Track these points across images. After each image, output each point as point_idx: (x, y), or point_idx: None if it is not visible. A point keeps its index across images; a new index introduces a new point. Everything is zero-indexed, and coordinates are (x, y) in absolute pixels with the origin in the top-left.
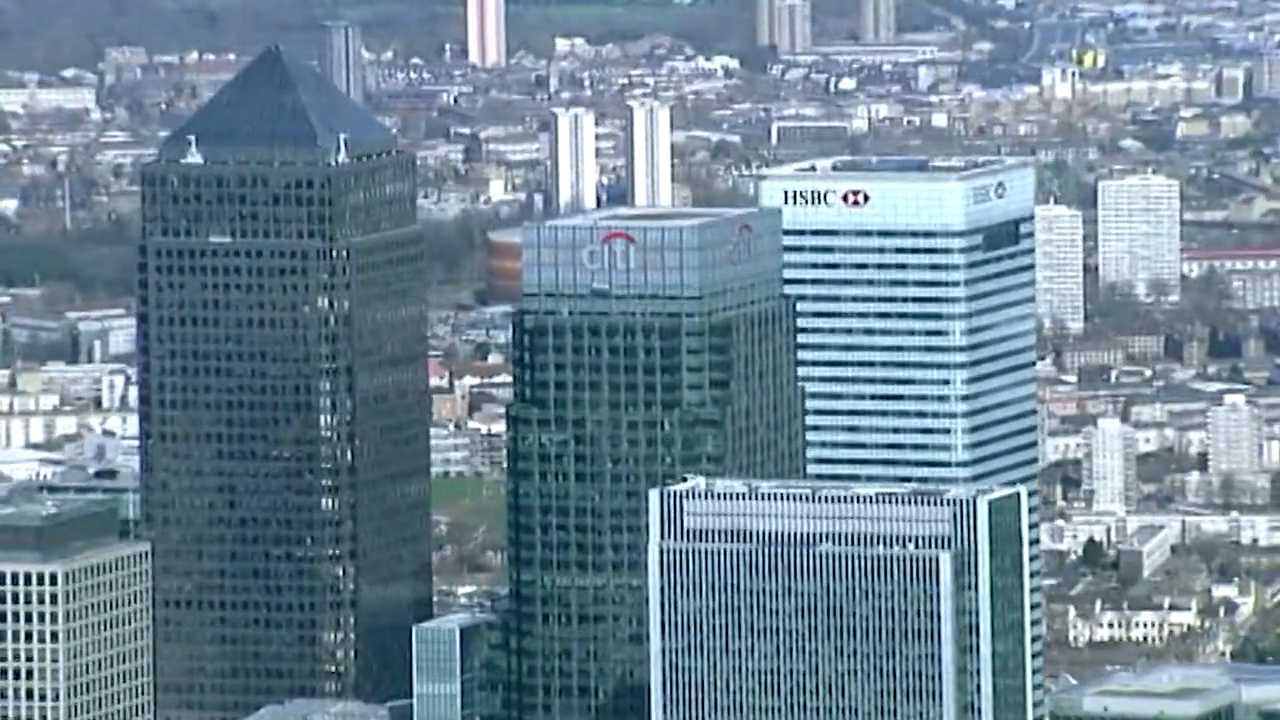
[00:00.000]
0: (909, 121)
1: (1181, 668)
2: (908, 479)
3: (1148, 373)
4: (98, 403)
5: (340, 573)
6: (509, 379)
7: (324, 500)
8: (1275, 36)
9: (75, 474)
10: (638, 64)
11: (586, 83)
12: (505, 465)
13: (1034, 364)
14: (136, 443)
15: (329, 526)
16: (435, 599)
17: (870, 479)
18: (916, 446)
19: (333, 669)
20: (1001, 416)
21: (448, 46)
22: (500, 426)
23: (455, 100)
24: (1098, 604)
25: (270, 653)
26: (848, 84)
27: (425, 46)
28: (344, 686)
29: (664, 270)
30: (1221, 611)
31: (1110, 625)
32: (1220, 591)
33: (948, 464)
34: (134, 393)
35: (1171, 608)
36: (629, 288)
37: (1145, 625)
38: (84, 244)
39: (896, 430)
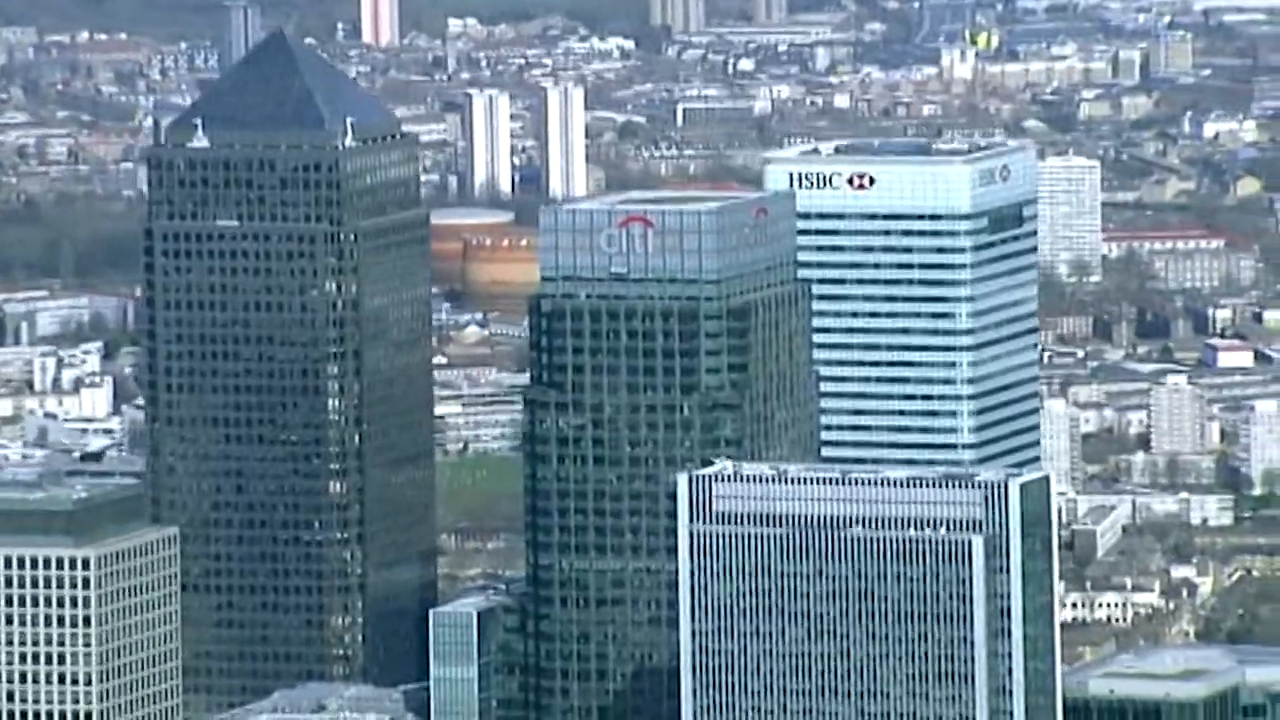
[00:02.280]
0: (812, 102)
1: (1184, 649)
2: (913, 461)
3: (1080, 353)
4: (30, 385)
5: (348, 557)
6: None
7: (331, 484)
8: (1164, 18)
9: (59, 458)
10: (532, 44)
11: (484, 63)
12: (523, 449)
13: (1036, 345)
14: (79, 425)
15: (337, 510)
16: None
17: (876, 461)
18: (923, 429)
19: (341, 653)
20: (1006, 398)
21: (340, 26)
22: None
23: (355, 78)
24: (1060, 586)
25: (278, 636)
26: (746, 65)
27: (318, 27)
28: (352, 670)
29: (682, 254)
30: (1183, 592)
31: (1074, 606)
32: (1179, 572)
33: (954, 445)
34: (67, 375)
35: (1134, 588)
36: (647, 271)
37: (1109, 606)
38: None
39: (903, 412)
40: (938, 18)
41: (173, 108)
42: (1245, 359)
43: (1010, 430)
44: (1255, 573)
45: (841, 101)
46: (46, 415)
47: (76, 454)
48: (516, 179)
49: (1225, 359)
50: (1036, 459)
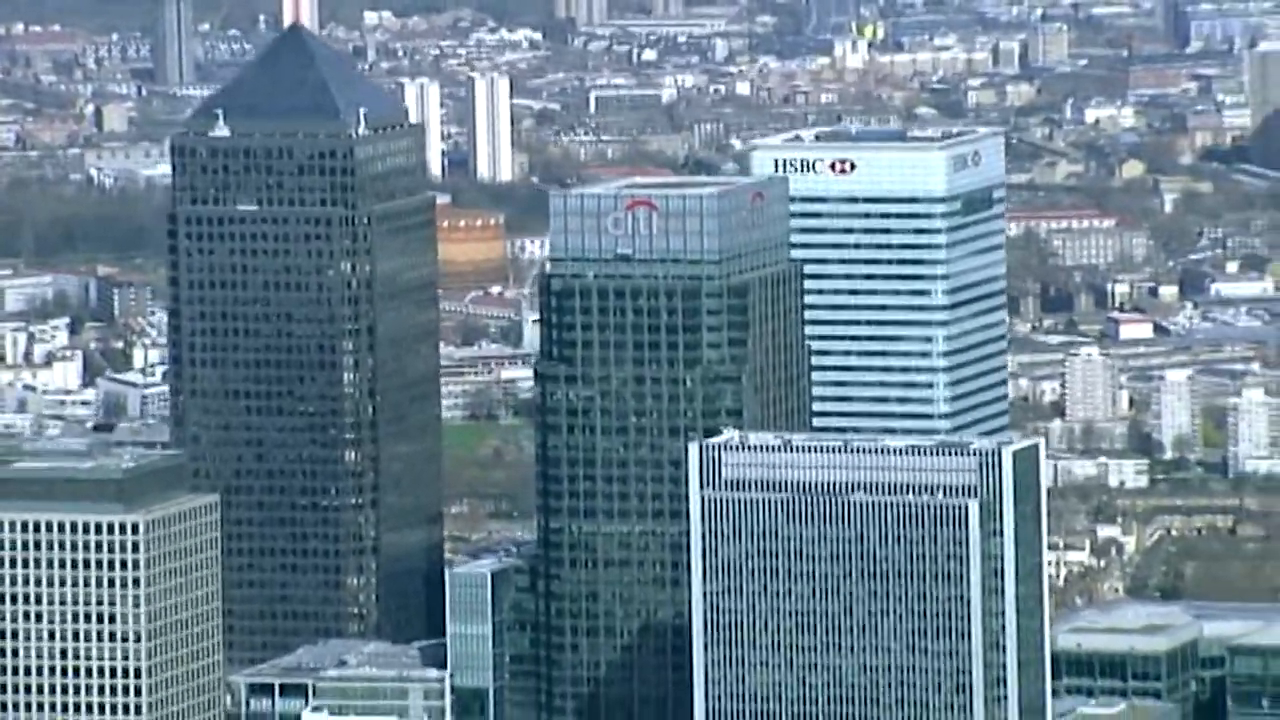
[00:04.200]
0: (715, 90)
1: (1144, 606)
2: (892, 430)
3: None
4: (1, 359)
5: (362, 521)
6: None
7: (347, 453)
8: (1037, 11)
9: (73, 428)
10: (445, 35)
11: (401, 53)
12: (533, 419)
13: (1003, 321)
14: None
15: (352, 477)
16: None
17: (857, 430)
18: (901, 399)
19: (356, 611)
20: (978, 369)
21: (263, 17)
22: None
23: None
24: None
25: (297, 596)
26: (650, 55)
27: (241, 17)
28: (367, 627)
29: (685, 235)
30: (1111, 551)
31: None
32: (1105, 532)
33: (930, 415)
34: (39, 349)
35: (1066, 548)
36: (651, 252)
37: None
38: None
39: (882, 384)
40: (824, 10)
41: (111, 95)
42: (1145, 331)
43: (981, 399)
44: (1174, 532)
45: (743, 90)
46: (25, 387)
47: (90, 424)
48: (445, 163)
49: (1126, 331)
50: (1005, 426)
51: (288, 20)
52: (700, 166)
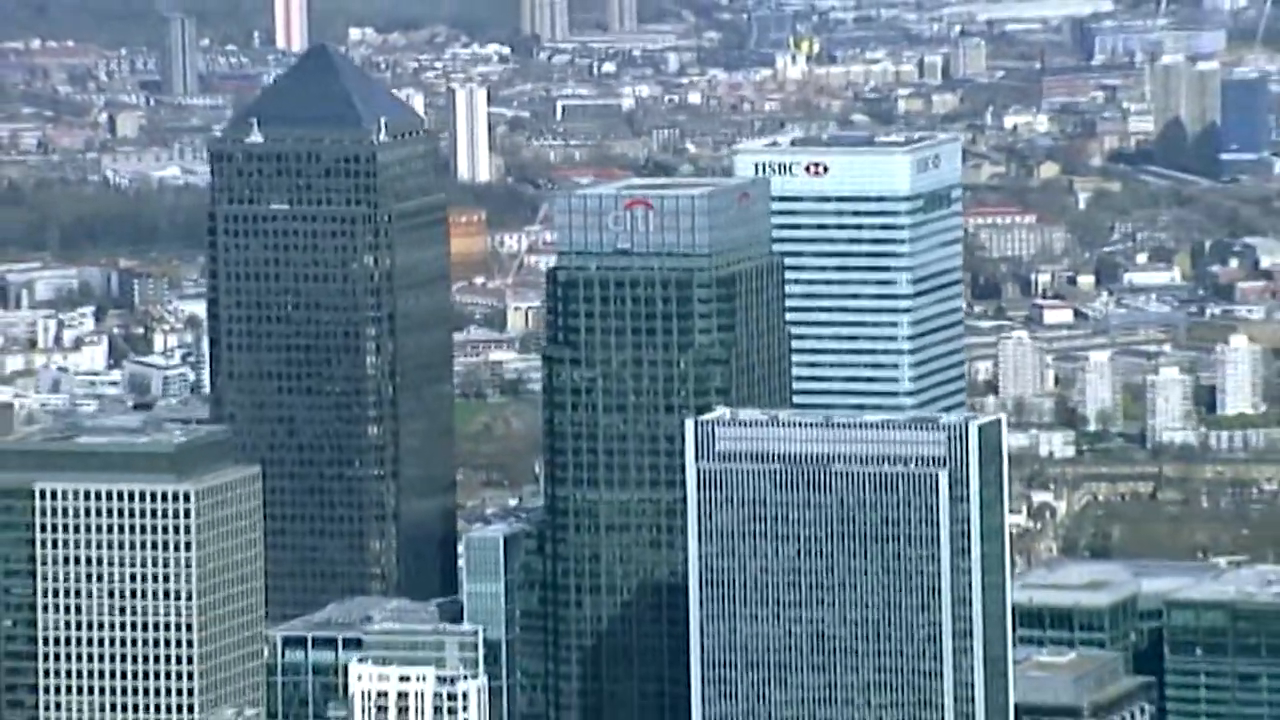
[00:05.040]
0: (669, 99)
1: (1087, 564)
2: (861, 407)
3: None
4: (33, 343)
5: (383, 490)
6: None
7: (369, 429)
8: (956, 27)
9: (115, 406)
10: (423, 50)
11: (383, 65)
12: (541, 398)
13: (960, 307)
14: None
15: (374, 451)
16: None
17: (829, 408)
18: (869, 379)
19: (378, 571)
20: (937, 353)
21: (256, 34)
22: None
23: (275, 81)
24: None
25: (324, 558)
26: (609, 67)
27: (238, 33)
28: (388, 586)
29: (678, 232)
30: (1045, 514)
31: None
32: (1038, 497)
33: (895, 394)
34: (68, 335)
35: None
36: (648, 247)
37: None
38: None
39: (853, 365)
40: (764, 27)
41: (122, 105)
42: (1066, 316)
43: (941, 378)
44: (1100, 497)
45: (694, 99)
46: (58, 369)
47: (130, 403)
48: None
49: (1050, 316)
50: (963, 403)
51: (280, 36)
52: (659, 168)
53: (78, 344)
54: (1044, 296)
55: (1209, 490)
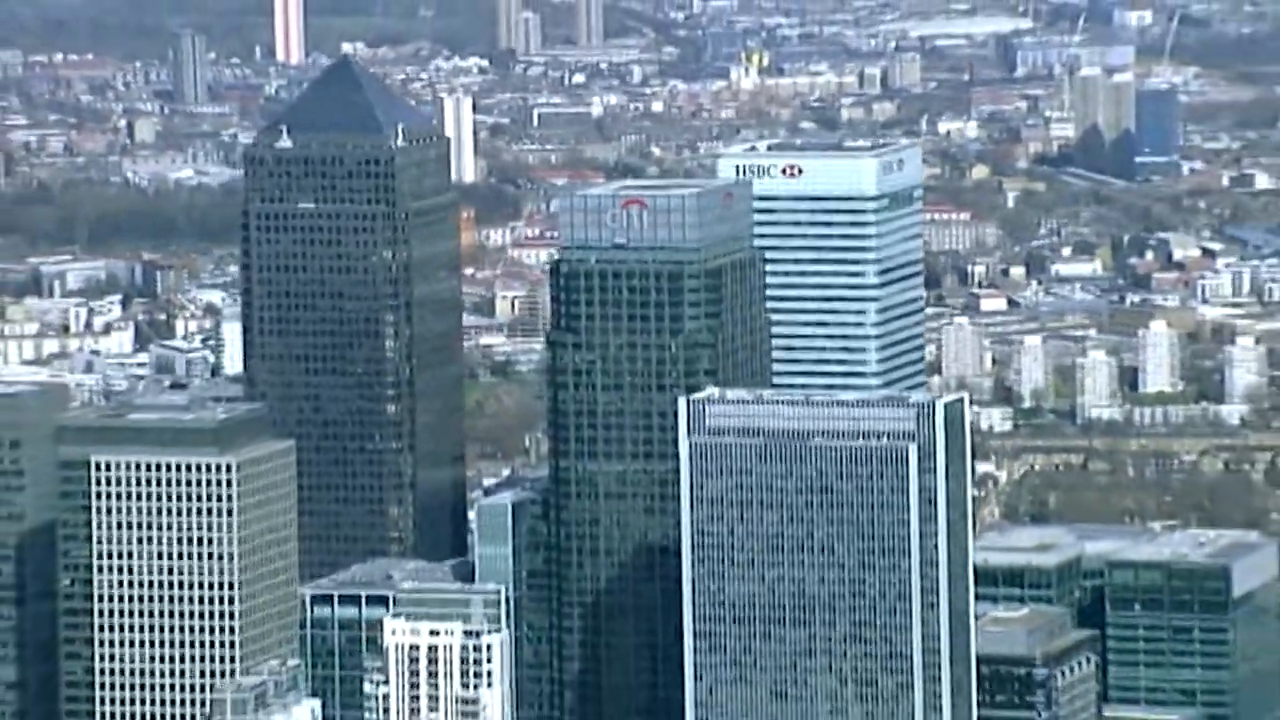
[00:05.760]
0: (635, 107)
1: (1035, 529)
2: (832, 386)
3: None
4: (66, 328)
5: (401, 462)
6: None
7: (389, 406)
8: (891, 43)
9: (154, 385)
10: (409, 63)
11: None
12: (545, 378)
13: (921, 296)
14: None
15: (392, 426)
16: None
17: (805, 387)
18: (840, 361)
19: (396, 535)
20: (900, 337)
21: (258, 48)
22: None
23: (277, 91)
24: None
25: (347, 524)
26: (579, 78)
27: (241, 48)
28: (405, 549)
29: (669, 228)
30: (988, 483)
31: None
32: (981, 467)
33: (863, 374)
34: (98, 321)
35: None
36: (643, 242)
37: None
38: (20, 205)
39: (823, 349)
40: (718, 42)
41: (139, 112)
42: (1001, 304)
43: (904, 360)
44: (1037, 467)
45: (657, 107)
46: (91, 352)
47: (168, 382)
48: None
49: (986, 304)
50: (923, 382)
51: (280, 50)
52: (627, 169)
53: (107, 329)
54: (980, 286)
55: (1134, 461)
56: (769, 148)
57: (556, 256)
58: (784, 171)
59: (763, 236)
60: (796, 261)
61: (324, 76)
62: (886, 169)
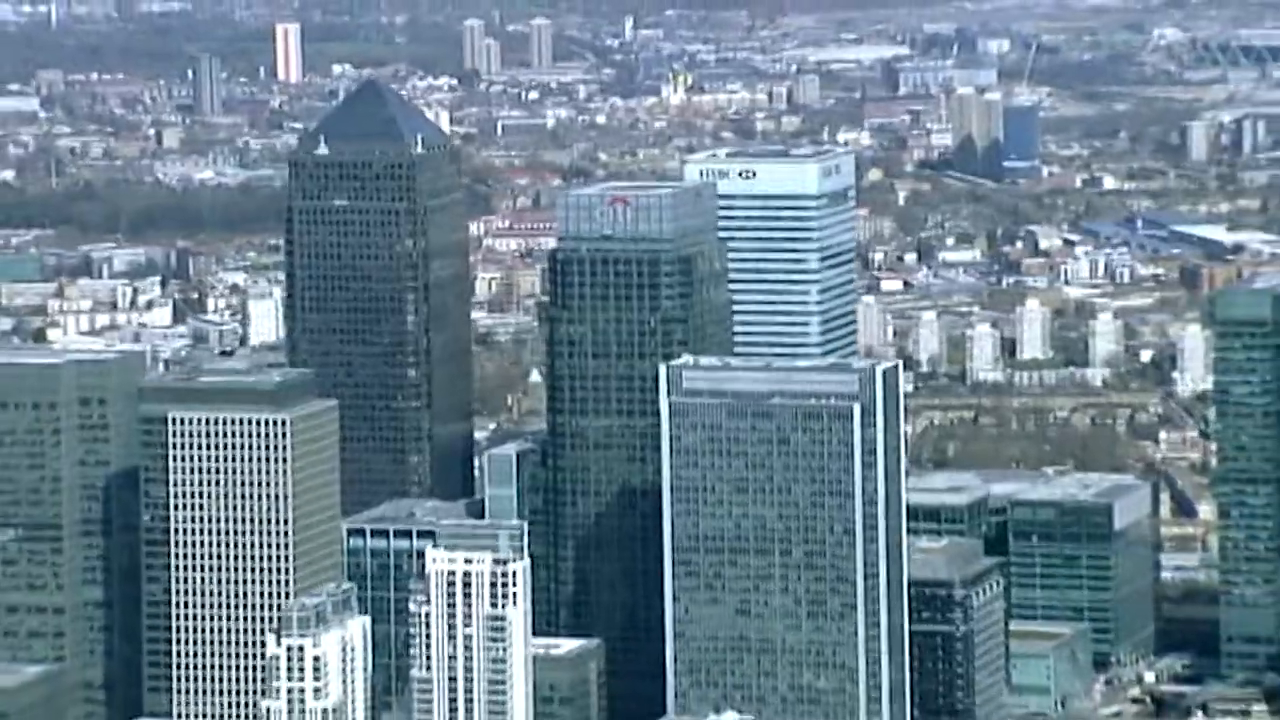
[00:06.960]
0: (582, 120)
1: (946, 474)
2: (780, 354)
3: None
4: (114, 305)
5: (420, 418)
6: None
7: (409, 371)
8: (793, 67)
9: (204, 353)
10: (389, 82)
11: None
12: (544, 348)
13: (854, 279)
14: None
15: (413, 387)
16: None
17: (760, 355)
18: (786, 333)
19: (416, 479)
20: (837, 313)
21: (262, 68)
22: None
23: (281, 105)
24: None
25: (376, 469)
26: (534, 95)
27: (246, 68)
28: (424, 491)
29: (649, 222)
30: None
31: None
32: None
33: (806, 344)
34: (141, 299)
35: None
36: (626, 233)
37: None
38: (70, 201)
39: (773, 324)
40: (648, 65)
41: (165, 123)
42: (898, 285)
43: (841, 333)
44: (935, 422)
45: (601, 120)
46: (140, 325)
47: (216, 351)
48: None
49: (886, 285)
50: (855, 351)
51: (280, 70)
52: (579, 172)
53: (149, 306)
54: (879, 270)
55: (1016, 416)
56: (728, 155)
57: (554, 245)
58: (741, 175)
59: (724, 229)
60: (753, 249)
61: (355, 94)
62: (826, 173)
